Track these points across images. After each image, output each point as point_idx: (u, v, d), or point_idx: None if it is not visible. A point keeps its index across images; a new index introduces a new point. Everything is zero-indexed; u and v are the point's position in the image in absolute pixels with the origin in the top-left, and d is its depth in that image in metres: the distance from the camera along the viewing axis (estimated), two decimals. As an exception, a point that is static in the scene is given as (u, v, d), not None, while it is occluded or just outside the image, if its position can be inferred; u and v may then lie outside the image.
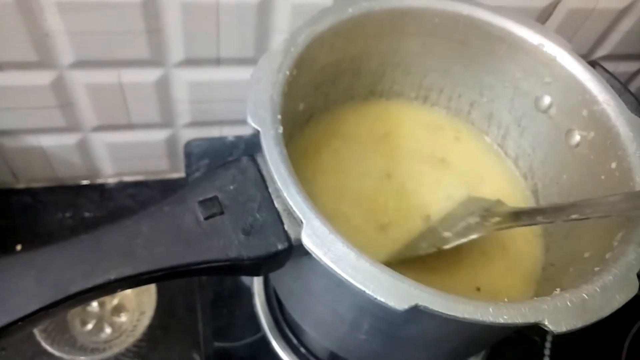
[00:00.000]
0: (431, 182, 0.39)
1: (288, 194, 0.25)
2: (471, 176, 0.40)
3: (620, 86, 0.37)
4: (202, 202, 0.26)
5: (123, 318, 0.52)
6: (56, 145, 0.52)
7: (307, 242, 0.24)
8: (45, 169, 0.55)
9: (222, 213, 0.26)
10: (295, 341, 0.41)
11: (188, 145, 0.51)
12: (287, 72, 0.30)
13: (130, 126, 0.52)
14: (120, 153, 0.55)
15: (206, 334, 0.41)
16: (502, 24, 0.36)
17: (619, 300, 0.25)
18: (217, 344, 0.40)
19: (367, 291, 0.23)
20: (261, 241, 0.26)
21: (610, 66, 0.53)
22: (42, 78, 0.45)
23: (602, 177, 0.33)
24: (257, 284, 0.43)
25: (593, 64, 0.38)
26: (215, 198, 0.26)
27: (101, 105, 0.49)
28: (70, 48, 0.43)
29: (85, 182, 0.58)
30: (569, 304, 0.24)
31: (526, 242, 0.37)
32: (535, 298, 0.24)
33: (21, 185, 0.56)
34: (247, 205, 0.26)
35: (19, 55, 0.42)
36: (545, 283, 0.35)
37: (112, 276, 0.24)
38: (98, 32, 0.42)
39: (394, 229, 0.35)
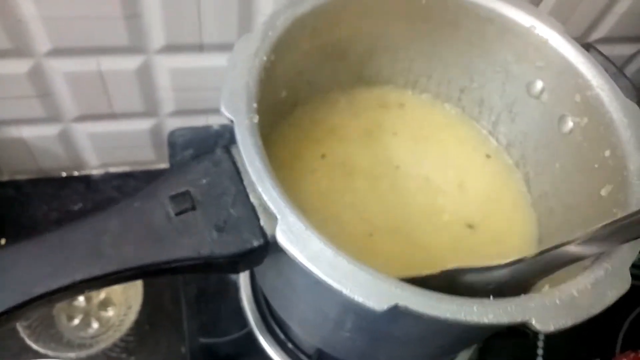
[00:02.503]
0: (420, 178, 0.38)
1: (262, 187, 0.24)
2: (462, 167, 0.39)
3: (616, 70, 0.35)
4: (174, 197, 0.25)
5: (110, 312, 0.51)
6: (38, 136, 0.51)
7: (282, 238, 0.23)
8: (29, 160, 0.53)
9: (194, 208, 0.25)
10: (282, 336, 0.40)
11: (172, 135, 0.49)
12: (265, 57, 0.28)
13: (113, 116, 0.51)
14: (104, 143, 0.54)
15: (191, 330, 0.40)
16: (492, 4, 0.34)
17: (610, 296, 0.24)
18: (202, 340, 0.39)
19: (344, 291, 0.22)
20: (235, 237, 0.24)
21: (605, 49, 0.51)
22: (18, 66, 0.43)
23: (596, 165, 0.31)
24: (243, 278, 0.42)
25: (587, 47, 0.36)
26: (187, 192, 0.25)
27: (81, 95, 0.47)
28: (46, 35, 0.41)
29: (70, 173, 0.56)
30: (557, 301, 0.23)
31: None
32: (522, 295, 0.23)
33: (4, 178, 0.55)
34: (221, 200, 0.25)
35: (-9, 44, 0.41)
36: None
37: (78, 277, 0.23)
38: (74, 18, 0.40)
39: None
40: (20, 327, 0.45)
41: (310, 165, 0.36)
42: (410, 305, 0.22)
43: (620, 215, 0.27)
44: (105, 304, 0.51)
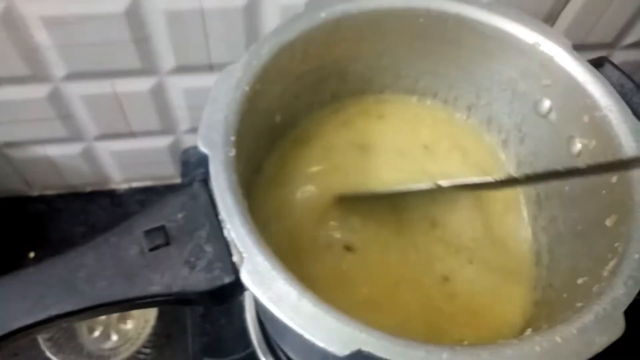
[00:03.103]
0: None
1: (231, 224, 0.23)
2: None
3: (633, 85, 0.33)
4: (148, 232, 0.25)
5: (129, 325, 0.52)
6: (62, 155, 0.53)
7: (246, 279, 0.22)
8: (56, 177, 0.56)
9: (167, 244, 0.25)
10: (284, 359, 0.39)
11: (185, 153, 0.50)
12: (247, 88, 0.28)
13: (132, 134, 0.52)
14: (126, 160, 0.55)
15: (195, 349, 0.40)
16: (493, 21, 0.32)
17: (599, 343, 0.22)
18: (206, 359, 0.40)
19: (305, 334, 0.21)
20: (206, 274, 0.24)
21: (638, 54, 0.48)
22: (38, 91, 0.45)
23: (603, 192, 0.29)
24: (248, 298, 0.42)
25: (601, 61, 0.34)
26: (161, 228, 0.25)
27: (100, 115, 0.49)
28: (61, 61, 0.43)
29: (95, 189, 0.58)
30: (537, 348, 0.22)
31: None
32: (500, 341, 0.22)
33: (35, 193, 0.58)
34: (195, 235, 0.25)
35: (11, 70, 0.42)
36: (544, 306, 0.32)
37: (54, 312, 0.24)
38: (86, 44, 0.42)
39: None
40: (41, 340, 0.47)
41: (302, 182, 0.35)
42: (375, 351, 0.21)
43: (621, 249, 0.26)
44: (124, 317, 0.52)
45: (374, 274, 0.32)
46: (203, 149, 0.26)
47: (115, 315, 0.52)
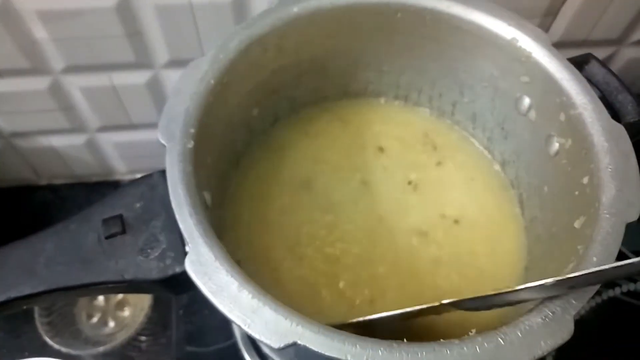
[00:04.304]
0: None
1: (179, 214, 0.24)
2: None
3: (619, 84, 0.31)
4: (106, 221, 0.26)
5: (126, 312, 0.53)
6: (66, 145, 0.54)
7: (189, 269, 0.23)
8: (62, 167, 0.57)
9: (124, 232, 0.25)
10: (264, 350, 0.40)
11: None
12: (212, 81, 0.28)
13: (132, 126, 0.53)
14: (128, 152, 0.57)
15: (178, 338, 0.41)
16: (470, 16, 0.32)
17: (543, 347, 0.21)
18: (188, 348, 0.40)
19: (242, 326, 0.21)
20: (159, 263, 0.25)
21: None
22: (38, 83, 0.46)
23: (576, 192, 0.28)
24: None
25: (587, 58, 0.33)
26: (119, 216, 0.26)
27: (100, 107, 0.50)
28: (59, 54, 0.44)
29: (101, 179, 0.60)
30: (478, 349, 0.21)
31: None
32: (441, 340, 0.22)
33: (43, 182, 0.60)
34: (151, 225, 0.26)
35: (12, 63, 0.44)
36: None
37: (12, 294, 0.25)
38: (81, 38, 0.43)
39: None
40: (39, 323, 0.49)
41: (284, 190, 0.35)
42: (311, 344, 0.21)
43: (582, 252, 0.25)
44: (122, 304, 0.54)
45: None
46: (162, 140, 0.26)
47: (113, 303, 0.54)
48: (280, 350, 0.21)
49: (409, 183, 0.36)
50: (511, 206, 0.36)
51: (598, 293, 0.47)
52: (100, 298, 0.54)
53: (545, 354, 0.21)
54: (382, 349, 0.21)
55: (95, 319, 0.53)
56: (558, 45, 0.48)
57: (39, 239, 0.26)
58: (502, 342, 0.21)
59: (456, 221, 0.35)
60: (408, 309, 0.26)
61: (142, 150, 0.57)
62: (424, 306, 0.25)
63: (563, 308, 0.22)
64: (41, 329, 0.49)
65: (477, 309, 0.25)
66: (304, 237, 0.33)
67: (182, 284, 0.26)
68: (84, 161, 0.57)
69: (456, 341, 0.21)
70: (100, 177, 0.60)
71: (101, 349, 0.50)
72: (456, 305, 0.25)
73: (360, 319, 0.27)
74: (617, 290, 0.47)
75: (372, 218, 0.34)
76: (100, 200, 0.26)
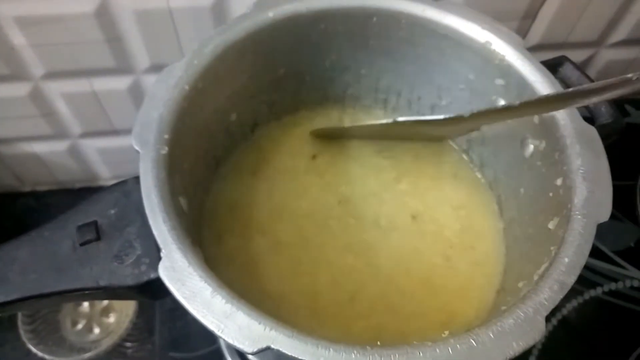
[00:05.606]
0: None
1: (153, 221, 0.24)
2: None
3: (592, 86, 0.32)
4: (80, 228, 0.26)
5: (111, 319, 0.53)
6: (49, 152, 0.54)
7: (163, 275, 0.23)
8: (45, 173, 0.57)
9: (98, 239, 0.25)
10: (248, 356, 0.40)
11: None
12: (187, 87, 0.28)
13: (115, 132, 0.53)
14: (111, 157, 0.56)
15: (162, 343, 0.41)
16: (446, 20, 0.32)
17: (515, 348, 0.22)
18: (172, 354, 0.40)
19: (216, 331, 0.21)
20: (133, 269, 0.25)
21: (628, 52, 0.47)
22: (19, 89, 0.46)
23: (550, 194, 0.29)
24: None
25: (561, 60, 0.33)
26: (93, 223, 0.26)
27: (82, 113, 0.50)
28: (38, 60, 0.44)
29: (84, 185, 0.60)
30: (450, 351, 0.21)
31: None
32: (414, 343, 0.22)
33: (26, 189, 0.59)
34: (125, 231, 0.26)
35: (-10, 69, 0.44)
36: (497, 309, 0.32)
37: (-15, 302, 0.24)
38: (61, 44, 0.43)
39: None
40: (22, 331, 0.48)
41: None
42: (284, 349, 0.21)
43: (554, 253, 0.25)
44: (107, 311, 0.53)
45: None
46: (135, 146, 0.26)
47: (98, 309, 0.53)
48: (256, 355, 0.21)
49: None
50: (491, 208, 0.36)
51: (580, 293, 0.47)
52: (85, 304, 0.54)
53: (517, 354, 0.22)
54: (355, 352, 0.21)
55: (80, 326, 0.53)
56: (537, 48, 0.49)
57: (12, 247, 0.26)
58: (475, 344, 0.22)
59: (430, 223, 0.35)
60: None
61: (125, 155, 0.56)
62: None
63: (535, 309, 0.23)
64: (24, 337, 0.48)
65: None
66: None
67: (158, 289, 0.26)
68: (67, 167, 0.57)
69: (429, 343, 0.22)
70: (84, 183, 0.60)
71: (86, 355, 0.50)
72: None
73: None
74: (599, 290, 0.48)
75: (348, 215, 0.34)
76: (75, 207, 0.26)
